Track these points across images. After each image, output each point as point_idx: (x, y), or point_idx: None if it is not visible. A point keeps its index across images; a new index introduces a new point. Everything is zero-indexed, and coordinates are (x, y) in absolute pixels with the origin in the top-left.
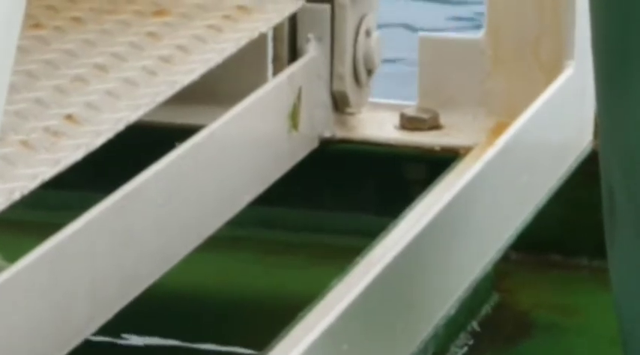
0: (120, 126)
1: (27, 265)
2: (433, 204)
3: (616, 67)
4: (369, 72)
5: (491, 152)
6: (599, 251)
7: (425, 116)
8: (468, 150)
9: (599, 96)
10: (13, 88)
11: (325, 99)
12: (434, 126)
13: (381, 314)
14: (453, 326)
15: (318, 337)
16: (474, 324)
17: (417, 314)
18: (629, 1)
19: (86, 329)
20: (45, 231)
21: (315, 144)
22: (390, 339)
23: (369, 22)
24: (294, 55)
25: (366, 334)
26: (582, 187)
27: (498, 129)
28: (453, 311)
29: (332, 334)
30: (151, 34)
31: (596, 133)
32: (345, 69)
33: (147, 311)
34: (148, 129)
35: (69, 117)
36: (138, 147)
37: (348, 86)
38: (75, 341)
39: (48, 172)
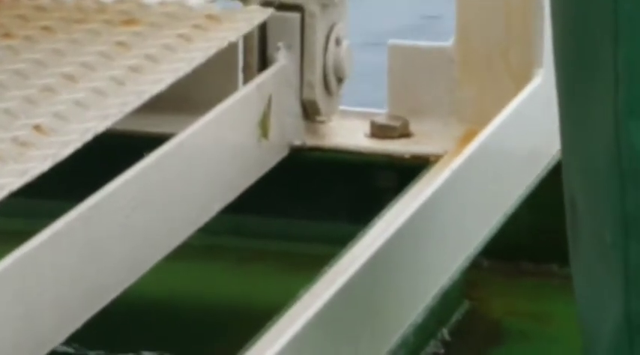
0: (88, 137)
1: None
2: (401, 213)
3: (575, 79)
4: (339, 80)
5: (459, 160)
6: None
7: (395, 124)
8: (438, 157)
9: (560, 106)
10: None
11: (295, 107)
12: (404, 134)
13: (347, 324)
14: (423, 335)
15: (283, 347)
16: (445, 332)
17: (384, 323)
18: (583, 12)
19: (52, 340)
20: (13, 240)
21: (285, 153)
22: (355, 349)
23: (340, 30)
24: (264, 63)
25: (331, 344)
26: (553, 194)
27: (468, 137)
28: (420, 320)
29: (297, 344)
30: (120, 44)
31: None
32: (315, 77)
33: (115, 320)
34: (117, 137)
35: (37, 127)
36: (107, 156)
37: (318, 94)
38: (41, 353)
39: (15, 183)
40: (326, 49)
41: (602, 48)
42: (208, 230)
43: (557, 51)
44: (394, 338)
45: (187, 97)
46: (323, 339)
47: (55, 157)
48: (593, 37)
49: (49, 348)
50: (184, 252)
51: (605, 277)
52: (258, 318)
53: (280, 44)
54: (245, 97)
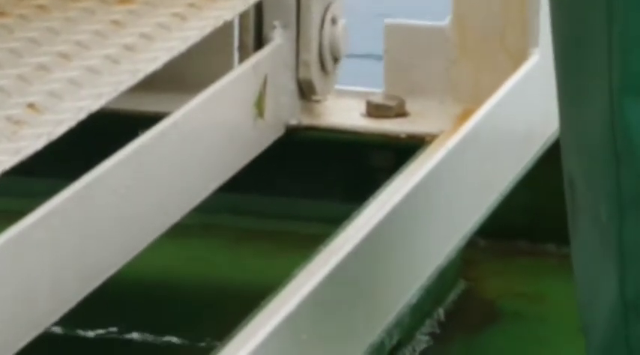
0: (82, 115)
1: None
2: (397, 192)
3: (571, 56)
4: (335, 59)
5: (455, 139)
6: (567, 238)
7: (391, 103)
8: (433, 137)
9: (558, 85)
10: None
11: (291, 86)
12: (400, 113)
13: (342, 303)
14: (418, 314)
15: (277, 326)
16: (440, 312)
17: (379, 302)
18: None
19: (47, 319)
20: (7, 219)
21: (281, 132)
22: (350, 328)
23: (335, 9)
24: (259, 42)
25: (325, 323)
26: (550, 174)
27: (465, 116)
28: (415, 300)
29: (291, 323)
30: (115, 22)
31: None
32: (311, 56)
33: (111, 299)
34: (112, 116)
35: (31, 105)
36: (101, 135)
37: (314, 74)
38: (35, 332)
39: (9, 161)
40: (322, 28)
41: (596, 25)
42: (204, 209)
43: (554, 29)
44: (390, 317)
45: (182, 76)
46: (318, 318)
47: (50, 136)
48: (588, 14)
49: (43, 327)
50: (180, 231)
51: (602, 255)
52: (253, 296)
53: (276, 23)
54: (241, 77)
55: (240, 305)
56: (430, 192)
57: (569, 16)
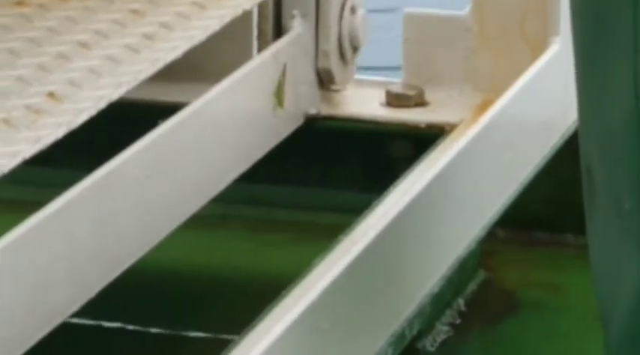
0: (102, 104)
1: (6, 245)
2: (417, 181)
3: (593, 45)
4: (355, 49)
5: (475, 128)
6: (585, 228)
7: (410, 93)
8: (453, 126)
9: (577, 74)
10: None
11: (310, 76)
12: (419, 102)
13: (363, 293)
14: (438, 304)
15: (299, 316)
16: (460, 302)
17: (400, 292)
18: None
19: (66, 309)
20: (26, 209)
21: (300, 122)
22: (372, 318)
23: None
24: (278, 31)
25: (347, 312)
26: (568, 164)
27: (484, 106)
28: (437, 289)
29: (312, 313)
30: (134, 12)
31: None
32: (330, 46)
33: (130, 290)
34: (131, 106)
35: (51, 94)
36: (121, 124)
37: (333, 63)
38: (54, 322)
39: (29, 150)
40: (341, 17)
41: (621, 13)
42: (223, 199)
43: (574, 17)
44: (411, 307)
45: (201, 66)
46: (340, 307)
47: (69, 125)
48: (612, 2)
49: (62, 318)
50: (198, 222)
51: (623, 243)
52: (272, 287)
53: (295, 12)
54: (260, 66)
55: (259, 295)
56: (451, 181)
57: (592, 5)
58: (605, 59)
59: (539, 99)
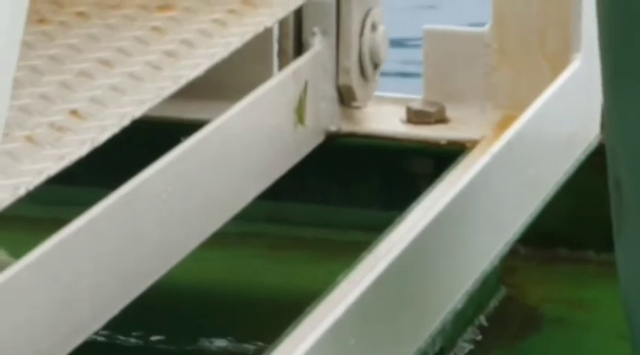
0: (125, 122)
1: (30, 262)
2: (439, 198)
3: (623, 59)
4: (375, 66)
5: (497, 145)
6: (606, 244)
7: (431, 110)
8: (474, 143)
9: (605, 88)
10: (18, 84)
11: (331, 93)
12: (440, 119)
13: (388, 309)
14: (460, 321)
15: (325, 332)
16: (482, 319)
17: (424, 308)
18: None
19: (90, 326)
20: (50, 227)
21: (321, 138)
22: (397, 334)
23: (375, 15)
24: (299, 49)
25: (372, 329)
26: (589, 180)
27: (504, 123)
28: (460, 306)
29: (339, 329)
30: (155, 29)
31: (603, 126)
32: (351, 63)
33: (152, 307)
34: (154, 124)
35: (74, 112)
36: (143, 142)
37: (354, 80)
38: (79, 339)
39: (53, 168)
40: (362, 34)
41: None
42: (243, 216)
43: (602, 34)
44: (435, 323)
45: (222, 83)
46: (366, 323)
47: (93, 142)
48: None
49: (86, 334)
50: (219, 239)
51: None
52: (293, 304)
53: (316, 29)
54: (281, 83)
55: (280, 312)
56: (473, 198)
57: (621, 21)
58: (634, 75)
59: (560, 116)
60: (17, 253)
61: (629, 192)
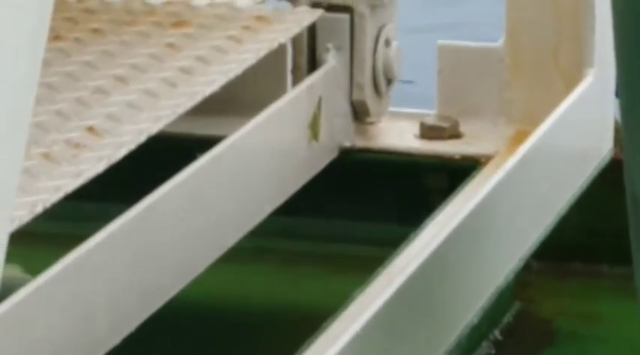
0: (141, 138)
1: (47, 279)
2: (454, 214)
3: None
4: (389, 81)
5: (511, 161)
6: (620, 258)
7: (445, 125)
8: (488, 158)
9: (622, 103)
10: (35, 101)
11: (345, 108)
12: (454, 134)
13: (405, 325)
14: (475, 336)
15: (342, 348)
16: (497, 333)
17: (440, 324)
18: None
19: (106, 343)
20: (67, 243)
21: (335, 154)
22: (413, 350)
23: (389, 31)
24: (313, 64)
25: (389, 344)
26: (603, 195)
27: (518, 138)
28: (475, 321)
29: (356, 345)
30: (170, 46)
31: (617, 141)
32: (365, 78)
33: (168, 323)
34: (169, 140)
35: (90, 129)
36: (159, 158)
37: (368, 95)
38: None
39: (70, 184)
40: (375, 50)
41: None
42: (258, 232)
43: (619, 48)
44: (451, 338)
45: (237, 99)
46: (381, 340)
47: (110, 159)
48: None
49: (102, 352)
50: (234, 255)
51: None
52: (308, 320)
53: (330, 45)
54: (295, 99)
55: (295, 327)
56: (488, 213)
57: (637, 30)
58: None
59: (574, 131)
60: (33, 269)
61: None
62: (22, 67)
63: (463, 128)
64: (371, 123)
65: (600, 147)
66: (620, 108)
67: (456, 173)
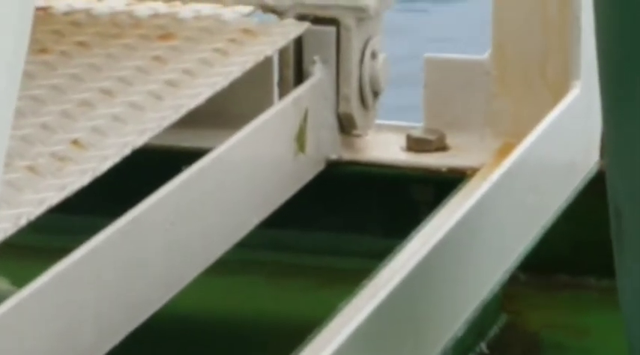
0: (126, 151)
1: (32, 292)
2: (440, 226)
3: (622, 88)
4: (375, 94)
5: (498, 173)
6: (607, 270)
7: (431, 137)
8: (474, 171)
9: (605, 117)
10: (20, 113)
11: (331, 121)
12: (440, 147)
13: (389, 337)
14: (461, 348)
15: None
16: (483, 346)
17: (425, 336)
18: (635, 21)
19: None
20: (52, 256)
21: (321, 166)
22: None
23: (375, 44)
24: (300, 77)
25: None
26: (589, 207)
27: (505, 150)
28: (461, 333)
29: None
30: (156, 58)
31: (603, 153)
32: (351, 91)
33: (154, 336)
34: (155, 152)
35: (75, 142)
36: (145, 170)
37: (354, 108)
38: None
39: (54, 197)
40: (362, 62)
41: None
42: (244, 244)
43: (602, 62)
44: (436, 351)
45: (223, 112)
46: (366, 352)
47: (94, 172)
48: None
49: None
50: (220, 267)
51: None
52: (295, 332)
53: (316, 58)
54: (281, 111)
55: (282, 340)
56: (474, 226)
57: (621, 49)
58: (634, 103)
59: (560, 143)
60: (19, 282)
61: (630, 224)
62: (2, 82)
63: (449, 140)
64: (357, 136)
65: (587, 159)
66: (603, 124)
67: (443, 185)
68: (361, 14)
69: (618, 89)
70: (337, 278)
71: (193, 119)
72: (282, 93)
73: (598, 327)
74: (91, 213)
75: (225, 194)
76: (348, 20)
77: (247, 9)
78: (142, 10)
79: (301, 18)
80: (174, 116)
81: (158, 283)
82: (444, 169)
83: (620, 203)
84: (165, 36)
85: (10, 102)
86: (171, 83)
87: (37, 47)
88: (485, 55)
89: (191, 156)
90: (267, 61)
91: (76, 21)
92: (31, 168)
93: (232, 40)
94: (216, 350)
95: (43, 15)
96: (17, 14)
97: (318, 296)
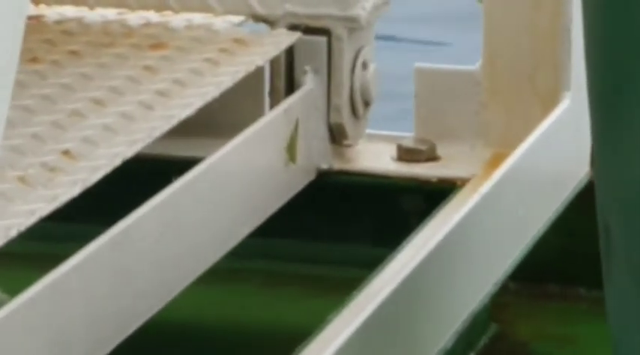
0: (117, 162)
1: (22, 303)
2: (430, 237)
3: (610, 102)
4: (366, 104)
5: (488, 184)
6: (597, 281)
7: (422, 147)
8: (465, 181)
9: (594, 131)
10: (10, 123)
11: (322, 131)
12: (431, 157)
13: (379, 348)
14: None
15: None
16: None
17: (415, 347)
18: (622, 32)
19: None
20: (43, 263)
21: (312, 176)
22: None
23: (366, 54)
24: (291, 87)
25: None
26: (580, 218)
27: (495, 161)
28: (450, 344)
29: None
30: (147, 68)
31: (592, 163)
32: (342, 101)
33: (145, 346)
34: (145, 162)
35: (66, 152)
36: (135, 180)
37: (345, 118)
38: None
39: (45, 208)
40: (353, 72)
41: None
42: (236, 253)
43: (590, 75)
44: None
45: (215, 121)
46: None
47: (85, 182)
48: (633, 60)
49: None
50: (211, 276)
51: (638, 303)
52: (286, 341)
53: (307, 68)
54: (272, 121)
55: (272, 349)
56: (464, 236)
57: (610, 64)
58: (622, 118)
59: (551, 154)
60: (10, 290)
61: (618, 238)
62: None
63: (440, 151)
64: (348, 146)
65: (577, 170)
66: (591, 134)
67: (433, 195)
68: (352, 24)
69: (606, 102)
70: (328, 287)
71: (184, 129)
72: (273, 103)
73: (587, 338)
74: (82, 222)
75: (216, 204)
76: (339, 30)
77: (238, 19)
78: (134, 19)
79: (292, 28)
80: (165, 126)
81: (149, 293)
82: (434, 179)
83: (608, 218)
84: (157, 45)
85: (1, 112)
86: (162, 93)
87: (29, 56)
88: (475, 66)
89: (182, 165)
90: (259, 70)
91: (67, 30)
92: (21, 179)
93: (223, 50)
94: None
95: (34, 24)
96: (9, 23)
97: (308, 306)
